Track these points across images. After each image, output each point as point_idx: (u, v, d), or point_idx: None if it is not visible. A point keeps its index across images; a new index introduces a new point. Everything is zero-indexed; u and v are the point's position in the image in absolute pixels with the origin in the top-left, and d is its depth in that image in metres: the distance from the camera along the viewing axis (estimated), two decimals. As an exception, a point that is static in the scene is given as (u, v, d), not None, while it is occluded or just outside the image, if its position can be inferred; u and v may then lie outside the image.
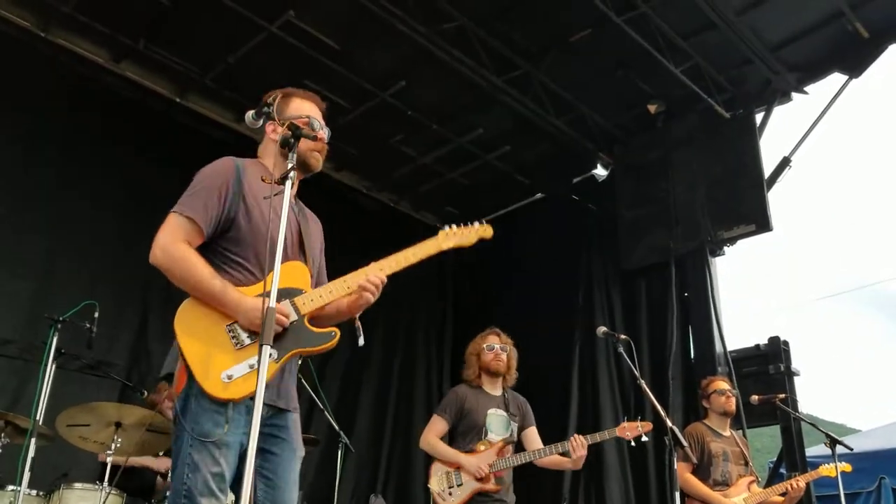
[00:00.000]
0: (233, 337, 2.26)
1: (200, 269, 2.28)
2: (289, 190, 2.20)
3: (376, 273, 2.41)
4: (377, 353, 8.09)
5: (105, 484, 3.95)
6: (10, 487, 3.81)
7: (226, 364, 2.21)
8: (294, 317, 2.30)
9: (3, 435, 4.08)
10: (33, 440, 3.85)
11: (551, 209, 8.38)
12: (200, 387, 2.20)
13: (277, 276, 2.11)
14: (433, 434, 4.21)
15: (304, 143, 2.43)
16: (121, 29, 6.35)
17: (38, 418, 3.96)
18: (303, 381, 5.37)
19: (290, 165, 2.20)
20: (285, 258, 2.32)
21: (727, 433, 4.75)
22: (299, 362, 2.59)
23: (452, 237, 2.56)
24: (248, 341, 2.25)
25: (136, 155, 6.39)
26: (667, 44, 6.27)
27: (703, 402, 4.84)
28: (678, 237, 6.91)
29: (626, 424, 3.97)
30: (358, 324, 2.54)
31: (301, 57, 6.47)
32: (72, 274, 5.89)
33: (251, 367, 2.20)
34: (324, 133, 2.56)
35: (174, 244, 2.29)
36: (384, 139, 7.75)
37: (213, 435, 2.18)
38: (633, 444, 3.95)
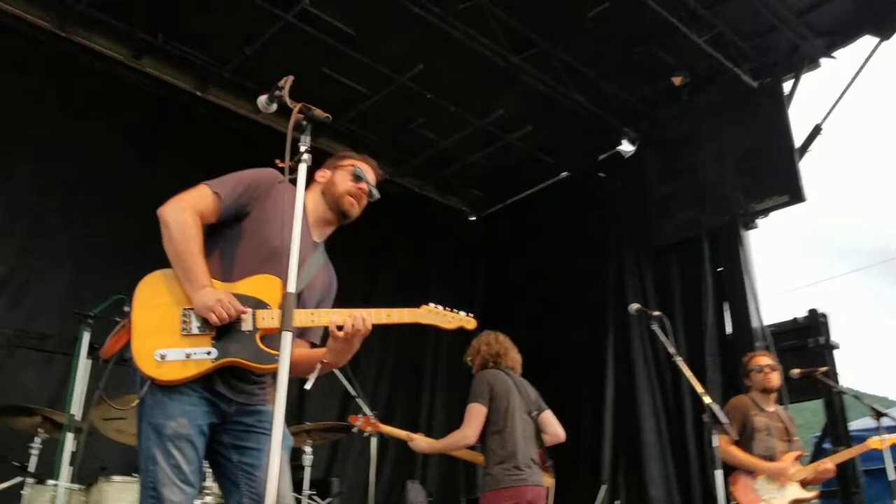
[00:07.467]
0: (184, 321, 2.25)
1: (194, 242, 2.30)
2: (303, 175, 2.17)
3: (363, 319, 2.35)
4: (410, 336, 8.01)
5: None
6: (50, 482, 3.87)
7: (164, 343, 2.21)
8: (248, 326, 2.28)
9: (42, 431, 4.16)
10: (70, 435, 3.90)
11: (578, 188, 8.27)
12: (134, 359, 2.19)
13: (295, 263, 2.07)
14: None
15: (341, 185, 2.59)
16: (138, 24, 6.37)
17: (73, 413, 4.00)
18: (335, 370, 5.39)
19: (302, 148, 2.16)
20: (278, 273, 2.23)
21: (771, 408, 4.63)
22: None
23: (434, 316, 2.56)
24: (196, 331, 2.25)
25: (162, 149, 6.43)
26: (688, 13, 6.10)
27: (745, 380, 4.72)
28: (709, 211, 6.79)
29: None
30: (318, 365, 2.43)
31: (318, 45, 6.43)
32: (103, 268, 5.93)
33: (187, 356, 2.21)
34: (366, 186, 2.63)
35: (189, 208, 2.33)
36: (404, 124, 7.70)
37: (166, 428, 2.19)
38: None
